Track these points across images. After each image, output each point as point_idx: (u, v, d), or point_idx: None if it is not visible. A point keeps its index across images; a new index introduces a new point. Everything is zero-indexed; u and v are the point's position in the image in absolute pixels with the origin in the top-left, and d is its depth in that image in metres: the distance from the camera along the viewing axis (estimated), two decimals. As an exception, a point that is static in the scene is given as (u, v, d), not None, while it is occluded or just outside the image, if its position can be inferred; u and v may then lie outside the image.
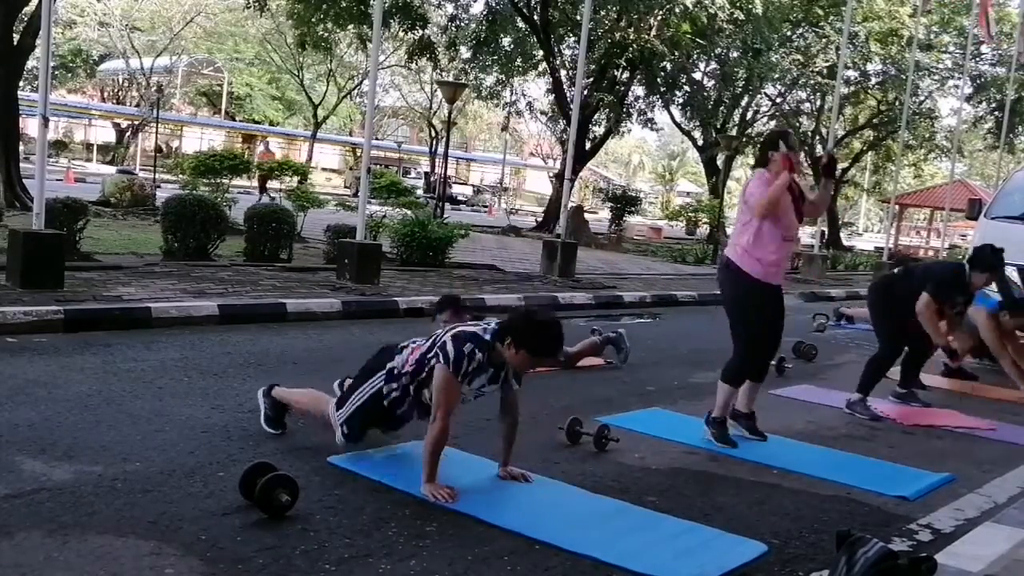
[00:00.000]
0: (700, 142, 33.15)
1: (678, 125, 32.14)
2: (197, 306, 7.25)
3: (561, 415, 4.90)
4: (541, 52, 22.88)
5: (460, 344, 3.74)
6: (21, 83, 16.57)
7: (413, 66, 28.51)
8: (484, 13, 23.21)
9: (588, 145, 24.18)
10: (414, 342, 4.05)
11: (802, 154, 33.04)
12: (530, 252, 16.14)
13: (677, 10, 20.19)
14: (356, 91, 44.96)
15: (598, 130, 24.80)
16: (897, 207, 29.81)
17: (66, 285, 7.32)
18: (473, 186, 51.75)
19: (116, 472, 3.62)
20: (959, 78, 27.46)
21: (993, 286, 6.72)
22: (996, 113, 29.68)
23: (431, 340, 3.92)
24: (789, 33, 27.97)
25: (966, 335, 7.20)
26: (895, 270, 6.69)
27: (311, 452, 4.10)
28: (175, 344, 6.21)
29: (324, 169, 48.69)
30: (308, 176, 17.55)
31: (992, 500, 4.40)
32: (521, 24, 22.97)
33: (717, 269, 5.35)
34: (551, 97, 24.86)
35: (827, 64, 27.45)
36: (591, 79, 21.95)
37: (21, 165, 15.50)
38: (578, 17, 17.92)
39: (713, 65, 27.76)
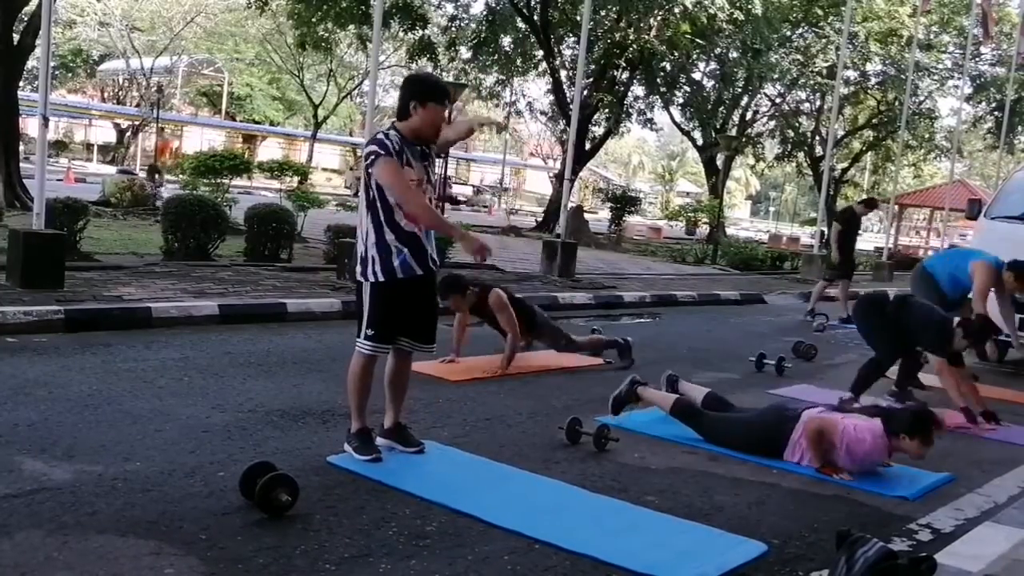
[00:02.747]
0: (700, 142, 33.18)
1: (678, 125, 32.17)
2: (197, 306, 7.25)
3: (561, 415, 4.90)
4: (541, 52, 22.89)
5: (374, 138, 3.96)
6: (21, 83, 16.57)
7: (413, 66, 28.50)
8: (484, 13, 23.22)
9: (588, 145, 24.18)
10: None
11: (801, 154, 33.27)
12: (530, 252, 16.14)
13: (677, 10, 20.20)
14: (356, 91, 45.00)
15: (598, 130, 24.81)
16: (897, 207, 29.80)
17: (66, 285, 7.32)
18: (473, 186, 51.76)
19: (116, 472, 3.62)
20: (959, 78, 27.47)
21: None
22: (996, 113, 29.69)
23: (363, 176, 4.07)
24: (789, 33, 27.98)
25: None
26: (891, 295, 6.62)
27: (311, 452, 4.10)
28: (175, 344, 6.21)
29: (324, 169, 48.69)
30: (308, 176, 17.55)
31: (992, 500, 4.40)
32: (521, 24, 22.98)
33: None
34: (551, 97, 24.87)
35: (827, 64, 27.46)
36: (591, 79, 21.96)
37: (21, 165, 15.51)
38: (578, 17, 17.91)
39: (713, 65, 27.78)
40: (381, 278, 3.96)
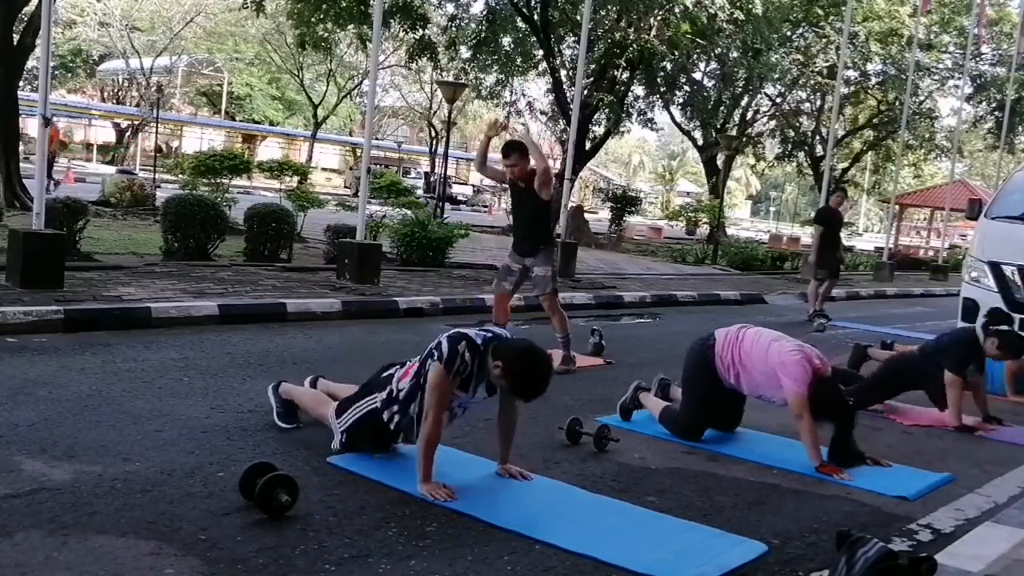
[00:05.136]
0: (700, 142, 33.18)
1: (678, 125, 32.15)
2: (197, 306, 7.25)
3: (561, 415, 4.90)
4: (541, 52, 22.86)
5: (454, 343, 3.76)
6: (21, 83, 16.55)
7: (413, 66, 28.49)
8: (484, 13, 23.20)
9: (588, 145, 24.16)
10: (411, 361, 4.03)
11: (801, 154, 33.27)
12: (530, 252, 16.11)
13: (677, 10, 20.18)
14: (356, 91, 44.99)
15: (598, 130, 24.78)
16: (897, 207, 29.79)
17: (66, 285, 7.32)
18: (473, 186, 51.72)
19: (116, 472, 3.62)
20: (959, 78, 27.47)
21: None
22: (996, 113, 29.69)
23: (425, 353, 3.90)
24: (789, 33, 27.97)
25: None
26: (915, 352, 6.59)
27: (311, 452, 4.09)
28: (175, 344, 6.21)
29: (324, 169, 48.70)
30: (308, 176, 17.53)
31: (992, 500, 4.40)
32: (521, 24, 22.95)
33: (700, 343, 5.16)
34: (551, 97, 24.84)
35: (827, 64, 27.46)
36: (591, 79, 21.94)
37: (21, 165, 15.50)
38: (578, 17, 17.90)
39: (713, 65, 27.77)
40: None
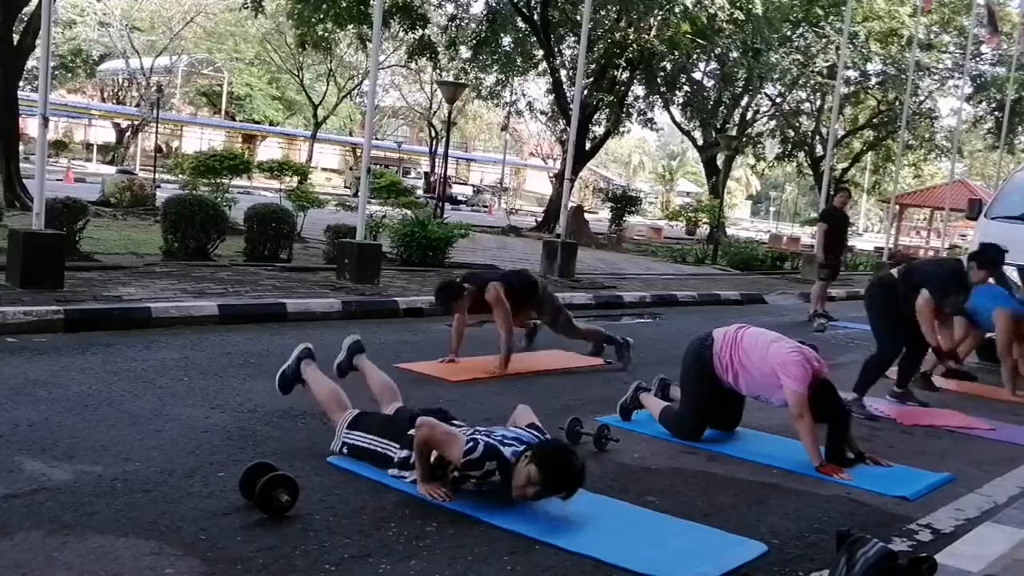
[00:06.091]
0: (700, 142, 33.18)
1: (678, 125, 32.17)
2: (197, 306, 7.25)
3: (561, 415, 4.90)
4: (541, 52, 22.88)
5: (484, 456, 3.59)
6: (21, 83, 16.56)
7: (413, 66, 28.56)
8: (484, 13, 23.22)
9: (588, 145, 24.17)
10: None
11: (801, 154, 33.28)
12: (530, 252, 16.14)
13: (677, 10, 20.19)
14: (356, 91, 45.01)
15: (598, 130, 24.80)
16: (897, 207, 29.82)
17: (66, 285, 7.32)
18: (473, 186, 51.81)
19: (116, 472, 3.62)
20: (959, 78, 27.47)
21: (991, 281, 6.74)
22: (996, 113, 29.68)
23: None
24: (789, 33, 27.99)
25: (962, 334, 7.29)
26: (895, 270, 6.61)
27: (311, 452, 4.09)
28: (175, 344, 6.21)
29: (324, 169, 48.73)
30: (308, 176, 17.54)
31: (992, 500, 4.40)
32: (521, 24, 22.97)
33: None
34: (551, 97, 24.86)
35: (827, 64, 27.48)
36: (591, 79, 21.96)
37: (21, 165, 15.51)
38: (578, 17, 17.92)
39: (713, 65, 27.79)
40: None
